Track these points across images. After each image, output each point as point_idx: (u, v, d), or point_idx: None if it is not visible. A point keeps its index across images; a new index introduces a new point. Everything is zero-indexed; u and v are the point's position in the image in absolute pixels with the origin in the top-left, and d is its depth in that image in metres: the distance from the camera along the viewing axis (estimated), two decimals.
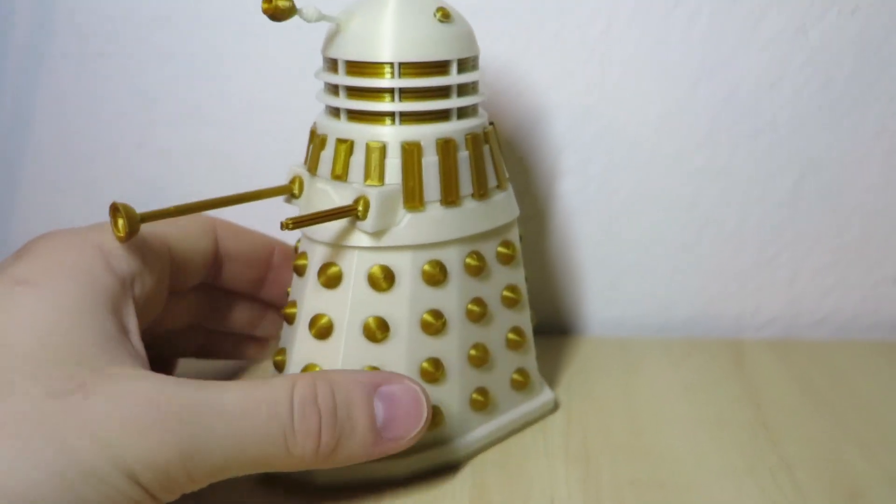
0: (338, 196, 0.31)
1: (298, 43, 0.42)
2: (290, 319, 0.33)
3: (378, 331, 0.30)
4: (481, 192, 0.32)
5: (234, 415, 0.25)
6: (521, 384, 0.35)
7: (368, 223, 0.30)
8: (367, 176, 0.30)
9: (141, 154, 0.44)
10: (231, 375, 0.40)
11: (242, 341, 0.39)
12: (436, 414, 0.32)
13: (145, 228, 0.30)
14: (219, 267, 0.35)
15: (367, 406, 0.27)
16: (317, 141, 0.32)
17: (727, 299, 0.45)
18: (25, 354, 0.24)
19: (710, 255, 0.44)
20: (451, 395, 0.32)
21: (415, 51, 0.30)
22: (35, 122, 0.45)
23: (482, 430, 0.33)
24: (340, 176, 0.31)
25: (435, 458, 0.32)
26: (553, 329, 0.45)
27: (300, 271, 0.33)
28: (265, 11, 0.29)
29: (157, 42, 0.43)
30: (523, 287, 0.34)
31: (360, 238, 0.30)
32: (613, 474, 0.32)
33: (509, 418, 0.34)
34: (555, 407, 0.37)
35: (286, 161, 0.44)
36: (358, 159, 0.31)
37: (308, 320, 0.31)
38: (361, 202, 0.30)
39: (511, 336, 0.34)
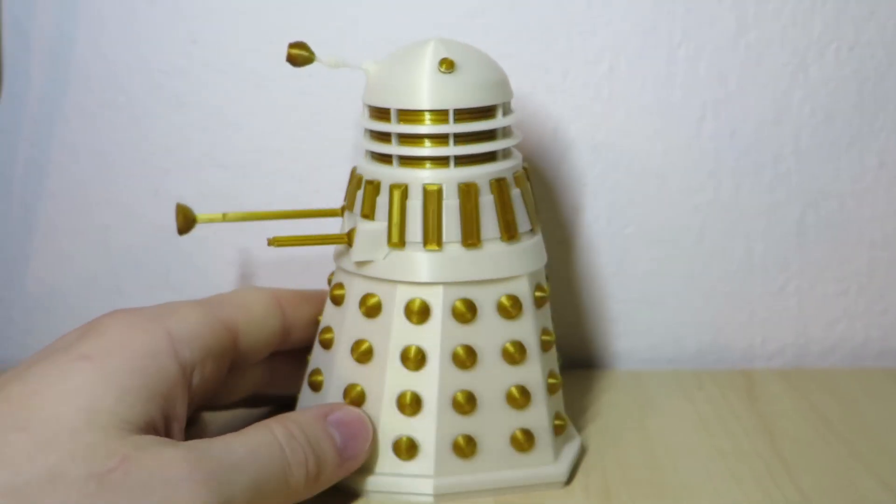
0: (347, 224, 0.34)
1: (309, 89, 0.43)
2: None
3: (362, 354, 0.33)
4: (469, 242, 0.32)
5: (246, 463, 0.28)
6: (523, 446, 0.33)
7: (352, 254, 0.33)
8: (362, 210, 0.33)
9: (156, 200, 0.45)
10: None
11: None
12: (410, 445, 0.32)
13: (215, 312, 0.32)
14: (286, 336, 0.36)
15: (327, 434, 0.31)
16: (351, 173, 0.35)
17: (736, 330, 0.46)
18: (73, 429, 0.25)
19: (718, 287, 0.45)
20: (428, 431, 0.32)
21: (411, 99, 0.32)
22: (50, 170, 0.45)
23: (464, 478, 0.33)
24: (347, 207, 0.35)
25: (404, 487, 0.33)
26: (564, 363, 0.46)
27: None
28: (287, 58, 0.32)
29: (169, 92, 0.44)
30: (531, 344, 0.33)
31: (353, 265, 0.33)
32: None
33: (502, 476, 0.33)
34: (566, 481, 0.34)
35: (298, 203, 0.45)
36: (360, 194, 0.33)
37: (318, 334, 0.35)
38: (353, 233, 0.33)
39: (513, 392, 0.33)
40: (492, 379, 0.33)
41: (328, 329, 0.34)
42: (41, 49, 0.44)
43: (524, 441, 0.33)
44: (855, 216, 0.44)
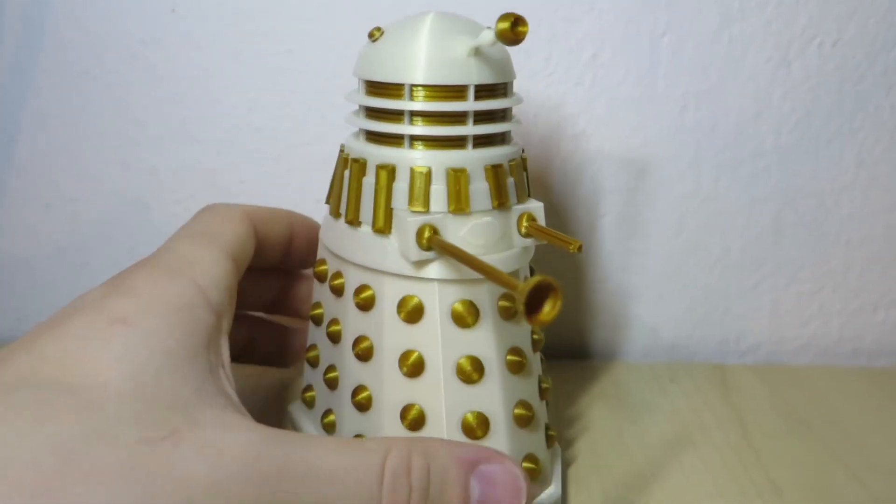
0: (500, 223, 0.30)
1: (287, 66, 0.42)
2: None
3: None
4: None
5: (322, 479, 0.24)
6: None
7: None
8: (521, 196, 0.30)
9: (126, 173, 0.44)
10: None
11: (285, 346, 0.38)
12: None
13: (220, 246, 0.30)
14: (258, 254, 0.34)
15: (462, 486, 0.26)
16: (462, 179, 0.29)
17: (711, 325, 0.45)
18: (120, 395, 0.23)
19: (694, 281, 0.45)
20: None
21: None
22: (20, 139, 0.44)
23: None
24: (503, 203, 0.29)
25: None
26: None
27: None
28: (514, 36, 0.27)
29: (145, 63, 0.43)
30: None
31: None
32: (605, 498, 0.32)
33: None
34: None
35: (272, 181, 0.44)
36: (511, 181, 0.30)
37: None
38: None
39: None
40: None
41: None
42: (13, 14, 0.42)
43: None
44: (832, 215, 0.44)
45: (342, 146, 0.31)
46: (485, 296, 0.29)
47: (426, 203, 0.29)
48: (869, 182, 0.43)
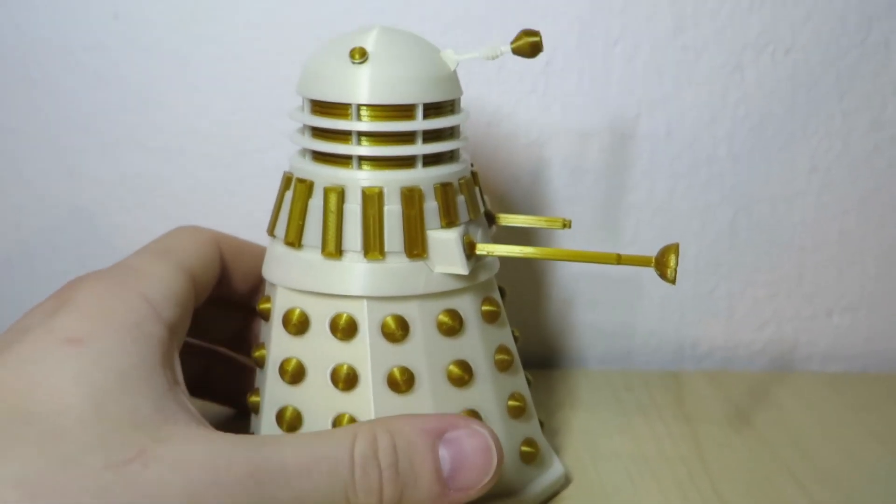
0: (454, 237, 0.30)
1: (235, 72, 0.42)
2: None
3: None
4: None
5: (294, 475, 0.24)
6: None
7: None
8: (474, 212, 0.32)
9: (71, 181, 0.43)
10: None
11: (244, 378, 0.37)
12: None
13: (176, 262, 0.30)
14: (222, 282, 0.33)
15: (430, 455, 0.26)
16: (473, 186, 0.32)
17: (667, 332, 0.45)
18: (82, 420, 0.23)
19: (649, 288, 0.45)
20: None
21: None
22: None
23: None
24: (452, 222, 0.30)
25: None
26: None
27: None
28: (527, 49, 0.31)
29: (89, 69, 0.42)
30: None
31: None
32: None
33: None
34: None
35: (222, 189, 0.43)
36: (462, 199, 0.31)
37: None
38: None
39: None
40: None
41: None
42: None
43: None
44: (785, 220, 0.44)
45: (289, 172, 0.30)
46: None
47: (456, 217, 0.30)
48: (821, 188, 0.44)
